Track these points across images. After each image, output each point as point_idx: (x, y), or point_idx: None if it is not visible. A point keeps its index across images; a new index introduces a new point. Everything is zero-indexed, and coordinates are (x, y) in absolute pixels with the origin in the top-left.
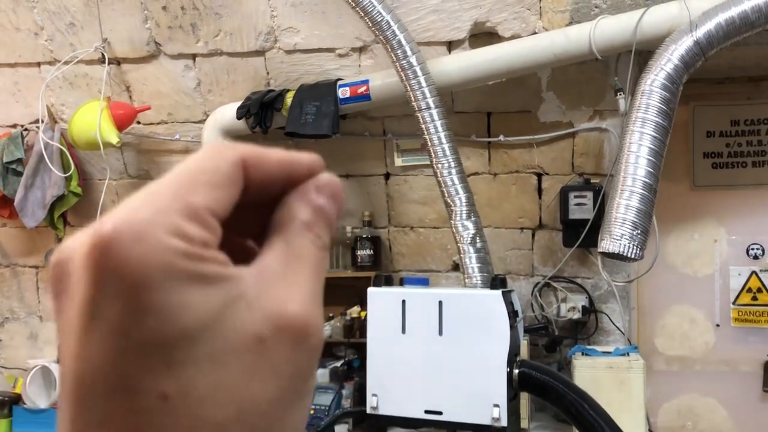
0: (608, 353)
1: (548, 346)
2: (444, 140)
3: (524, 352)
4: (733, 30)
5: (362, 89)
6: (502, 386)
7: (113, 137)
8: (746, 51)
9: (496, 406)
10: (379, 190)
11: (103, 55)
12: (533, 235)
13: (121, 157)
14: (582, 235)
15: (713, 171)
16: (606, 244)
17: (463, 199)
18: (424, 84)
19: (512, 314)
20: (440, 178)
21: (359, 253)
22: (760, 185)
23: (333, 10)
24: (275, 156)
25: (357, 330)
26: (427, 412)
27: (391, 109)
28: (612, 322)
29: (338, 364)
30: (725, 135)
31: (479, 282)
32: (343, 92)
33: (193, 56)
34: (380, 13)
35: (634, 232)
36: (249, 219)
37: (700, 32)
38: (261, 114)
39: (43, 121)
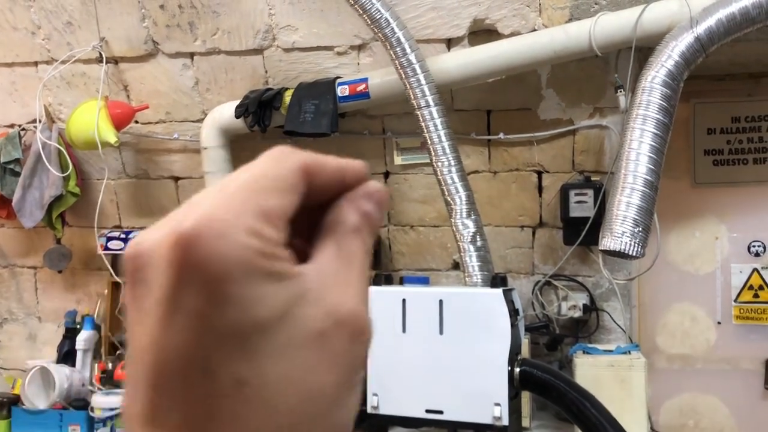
0: (609, 351)
1: (549, 344)
2: (444, 138)
3: (525, 351)
4: (734, 26)
5: (361, 87)
6: (503, 385)
7: (111, 137)
8: (747, 47)
9: (497, 405)
10: None
11: (100, 54)
12: (534, 234)
13: (119, 157)
14: (583, 233)
15: (714, 168)
16: (607, 242)
17: (463, 198)
18: (423, 82)
19: (513, 313)
20: (440, 177)
21: None
22: (762, 182)
23: (331, 7)
24: (332, 163)
25: None
26: (427, 411)
27: (391, 107)
28: (613, 320)
29: None
30: (726, 132)
31: (480, 281)
32: (342, 90)
33: (191, 55)
34: (379, 11)
35: (636, 230)
36: (299, 219)
37: (700, 28)
38: (259, 113)
39: (40, 121)
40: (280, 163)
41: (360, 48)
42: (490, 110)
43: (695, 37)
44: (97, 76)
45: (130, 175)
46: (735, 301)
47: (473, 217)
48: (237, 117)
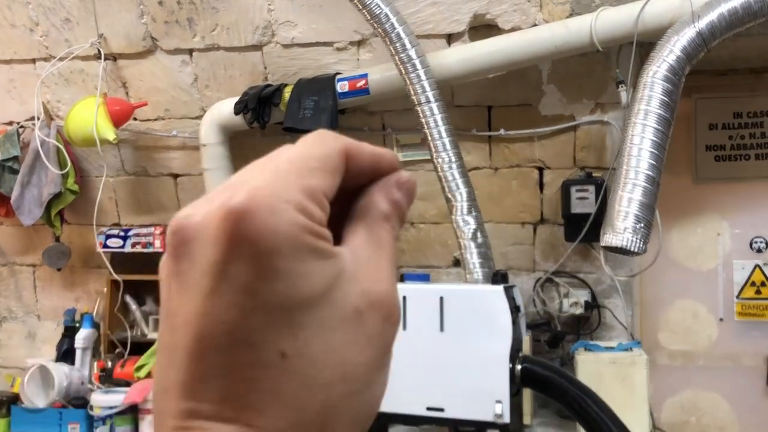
0: (611, 348)
1: (550, 341)
2: (444, 134)
3: (526, 348)
4: (736, 20)
5: (361, 83)
6: (504, 382)
7: (110, 134)
8: (749, 42)
9: (499, 402)
10: None
11: (99, 50)
12: (535, 230)
13: (118, 154)
14: (584, 229)
15: (716, 164)
16: (609, 238)
17: (464, 194)
18: (423, 77)
19: (514, 310)
20: (441, 173)
21: None
22: (764, 178)
23: (330, 3)
24: (368, 149)
25: None
26: (428, 408)
27: (391, 103)
28: (615, 317)
29: None
30: (728, 127)
31: (480, 277)
32: (341, 86)
33: (190, 51)
34: (378, 6)
35: (637, 226)
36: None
37: (702, 23)
38: (259, 109)
39: (39, 118)
40: (324, 144)
41: (360, 44)
42: (491, 106)
43: (697, 32)
44: (96, 72)
45: (128, 172)
46: (737, 297)
47: (474, 213)
48: (236, 113)
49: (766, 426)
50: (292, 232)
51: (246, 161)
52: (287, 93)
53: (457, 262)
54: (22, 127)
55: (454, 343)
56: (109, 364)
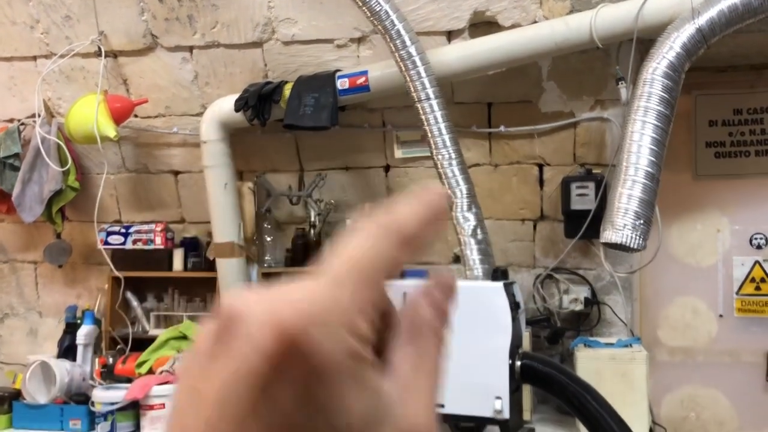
0: (611, 345)
1: (550, 337)
2: (444, 131)
3: (526, 344)
4: (736, 17)
5: (361, 80)
6: (504, 378)
7: (111, 131)
8: (749, 38)
9: (498, 398)
10: (379, 183)
11: (99, 48)
12: (535, 227)
13: (118, 151)
14: (584, 226)
15: (716, 160)
16: (608, 235)
17: (464, 191)
18: (423, 74)
19: (514, 306)
20: (441, 170)
21: None
22: (763, 174)
23: (331, 0)
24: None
25: None
26: None
27: (391, 100)
28: (614, 313)
29: None
30: (728, 124)
31: (480, 274)
32: (342, 83)
33: (190, 48)
34: (378, 3)
35: (637, 222)
36: None
37: (702, 19)
38: (259, 106)
39: (39, 116)
40: (382, 246)
41: (360, 41)
42: (491, 103)
43: (697, 28)
44: (96, 70)
45: (129, 169)
46: (737, 293)
47: (474, 210)
48: (236, 110)
49: (765, 421)
50: (344, 362)
51: (246, 158)
52: (287, 90)
53: (457, 259)
54: (23, 124)
55: (454, 339)
56: (111, 360)
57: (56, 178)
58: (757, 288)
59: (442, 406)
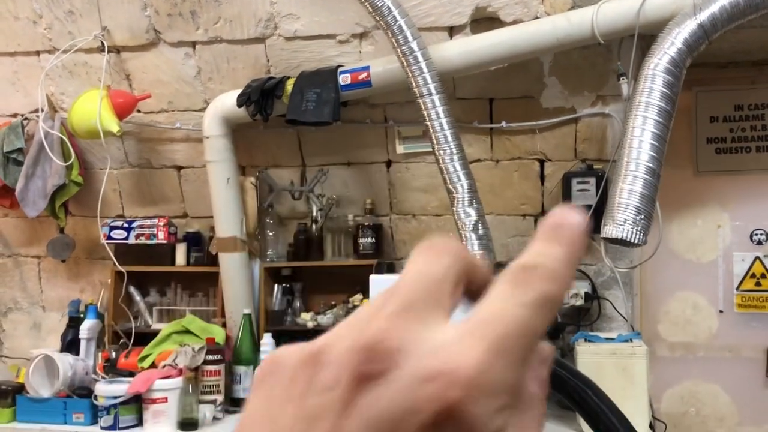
0: (611, 339)
1: (551, 332)
2: (446, 127)
3: None
4: (737, 13)
5: (363, 76)
6: None
7: (114, 126)
8: (750, 34)
9: None
10: (381, 178)
11: (102, 43)
12: (536, 222)
13: (121, 146)
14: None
15: (717, 156)
16: (609, 230)
17: (465, 186)
18: (425, 70)
19: None
20: (442, 165)
21: (361, 241)
22: (764, 170)
23: None
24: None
25: None
26: None
27: (393, 95)
28: (615, 308)
29: None
30: (729, 120)
31: None
32: (344, 79)
33: (193, 44)
34: None
35: (638, 218)
36: None
37: (703, 15)
38: (261, 101)
39: (43, 110)
40: (544, 317)
41: (362, 36)
42: (493, 98)
43: (698, 24)
44: (99, 65)
45: (132, 164)
46: (737, 289)
47: (475, 205)
48: (239, 106)
49: (765, 417)
50: (492, 422)
51: (249, 153)
52: (290, 85)
53: None
54: (26, 119)
55: None
56: (114, 354)
57: (59, 173)
58: (758, 284)
59: None
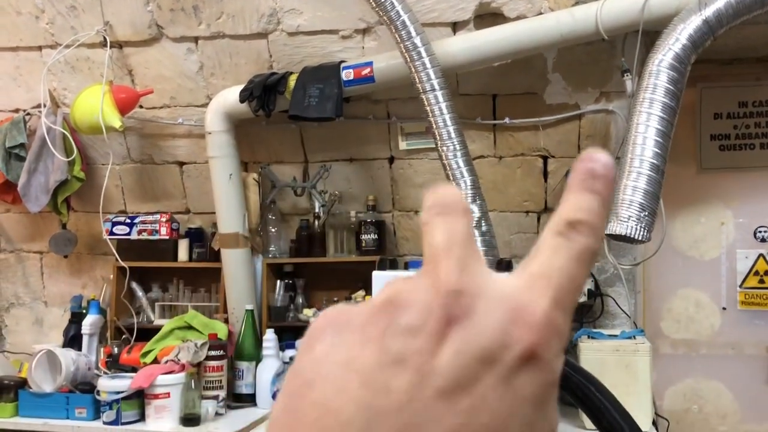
0: (614, 336)
1: None
2: (449, 123)
3: None
4: (743, 8)
5: (366, 71)
6: None
7: (116, 121)
8: (755, 31)
9: None
10: (384, 174)
11: (104, 38)
12: (539, 219)
13: (124, 142)
14: None
15: (720, 153)
16: (613, 226)
17: (468, 183)
18: (428, 65)
19: None
20: (445, 161)
21: (363, 237)
22: None
23: None
24: None
25: None
26: None
27: (396, 91)
28: (618, 305)
29: None
30: (733, 117)
31: None
32: (346, 74)
33: (196, 39)
34: None
35: (642, 214)
36: None
37: (709, 11)
38: (264, 97)
39: (45, 106)
40: (585, 272)
41: (365, 31)
42: (496, 94)
43: (703, 20)
44: (102, 60)
45: (134, 160)
46: (740, 286)
47: (478, 202)
48: (241, 101)
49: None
50: (557, 380)
51: (251, 149)
52: (292, 81)
53: None
54: (28, 114)
55: None
56: (116, 349)
57: (62, 169)
58: (761, 281)
59: None
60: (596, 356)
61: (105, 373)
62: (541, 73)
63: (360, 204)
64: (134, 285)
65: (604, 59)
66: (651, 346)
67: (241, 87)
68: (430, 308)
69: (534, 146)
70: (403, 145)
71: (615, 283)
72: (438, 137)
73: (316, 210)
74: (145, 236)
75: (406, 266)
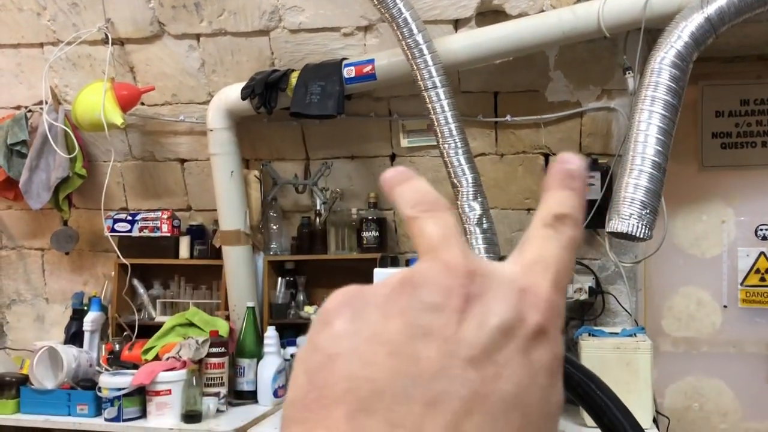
0: (615, 334)
1: None
2: (450, 120)
3: None
4: (746, 6)
5: (368, 69)
6: None
7: (117, 118)
8: (757, 28)
9: None
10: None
11: (106, 35)
12: None
13: (125, 139)
14: (589, 215)
15: (722, 151)
16: (614, 224)
17: (470, 180)
18: (430, 63)
19: None
20: (446, 159)
21: (365, 234)
22: None
23: None
24: None
25: None
26: None
27: (397, 89)
28: (619, 303)
29: None
30: (734, 115)
31: None
32: (348, 72)
33: (197, 36)
34: None
35: (643, 212)
36: None
37: (711, 9)
38: (266, 94)
39: (46, 103)
40: (573, 257)
41: (366, 29)
42: (497, 92)
43: (705, 18)
44: (103, 57)
45: (136, 157)
46: (741, 284)
47: (479, 199)
48: (243, 99)
49: None
50: (562, 355)
51: (253, 146)
52: (294, 78)
53: None
54: (30, 111)
55: None
56: (117, 346)
57: (63, 165)
58: (762, 279)
59: None
60: (597, 354)
61: (106, 369)
62: (542, 71)
63: (361, 201)
64: (135, 282)
65: (606, 57)
66: (652, 343)
67: (242, 84)
68: (450, 287)
69: (535, 144)
70: (404, 142)
71: (616, 281)
72: (439, 135)
73: (318, 207)
74: (146, 233)
75: (407, 263)
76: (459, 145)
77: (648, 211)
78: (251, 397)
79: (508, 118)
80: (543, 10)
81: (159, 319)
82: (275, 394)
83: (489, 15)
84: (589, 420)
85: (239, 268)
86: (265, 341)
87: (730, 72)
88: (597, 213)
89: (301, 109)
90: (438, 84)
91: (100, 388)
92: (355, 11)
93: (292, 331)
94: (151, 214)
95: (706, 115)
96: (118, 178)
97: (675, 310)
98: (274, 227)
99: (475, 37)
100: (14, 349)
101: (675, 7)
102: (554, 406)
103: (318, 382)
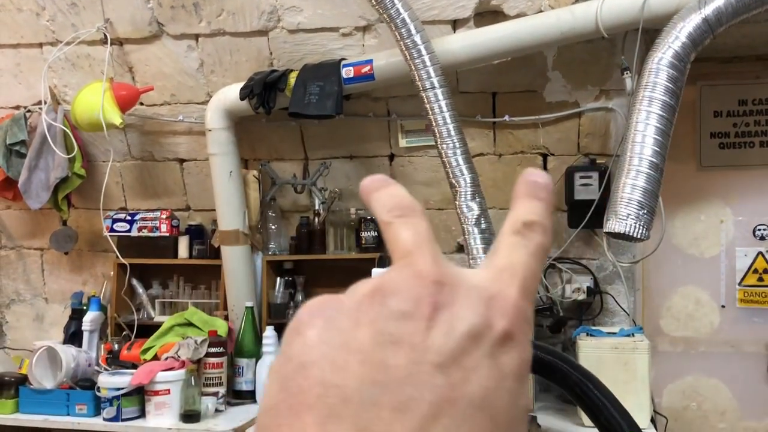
0: (613, 334)
1: (553, 327)
2: (448, 120)
3: None
4: (743, 7)
5: (366, 69)
6: None
7: (116, 118)
8: (755, 29)
9: None
10: (383, 172)
11: (105, 35)
12: None
13: (124, 139)
14: (587, 215)
15: (720, 151)
16: (612, 224)
17: (468, 180)
18: (428, 63)
19: None
20: (445, 159)
21: (363, 234)
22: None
23: None
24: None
25: None
26: None
27: (396, 89)
28: (617, 303)
29: None
30: (732, 115)
31: None
32: (347, 72)
33: (196, 36)
34: None
35: (641, 212)
36: None
37: (708, 9)
38: (264, 94)
39: (45, 103)
40: (541, 264)
41: (365, 29)
42: (496, 92)
43: (703, 18)
44: (102, 57)
45: (135, 157)
46: (739, 284)
47: (478, 199)
48: (242, 99)
49: (766, 411)
50: (530, 361)
51: (251, 146)
52: (292, 78)
53: (460, 248)
54: (29, 111)
55: None
56: (116, 346)
57: (62, 165)
58: (760, 279)
59: None
60: (595, 354)
61: (105, 369)
62: (540, 71)
63: (360, 201)
64: (134, 282)
65: (604, 57)
66: (650, 343)
67: (241, 84)
68: (419, 296)
69: (534, 144)
70: (402, 142)
71: (614, 281)
72: (438, 135)
73: (316, 207)
74: (145, 233)
75: None
76: (457, 145)
77: (645, 211)
78: (250, 396)
79: (507, 118)
80: (541, 11)
81: (158, 318)
82: None
83: (487, 15)
84: (586, 420)
85: (238, 267)
86: (264, 341)
87: (729, 72)
88: (595, 213)
89: (299, 109)
90: (436, 84)
91: (98, 387)
92: (354, 11)
93: None
94: (150, 214)
95: (704, 115)
96: (117, 178)
97: (673, 310)
98: (273, 227)
99: (473, 37)
100: (13, 349)
101: (673, 8)
102: (522, 410)
103: (291, 389)
